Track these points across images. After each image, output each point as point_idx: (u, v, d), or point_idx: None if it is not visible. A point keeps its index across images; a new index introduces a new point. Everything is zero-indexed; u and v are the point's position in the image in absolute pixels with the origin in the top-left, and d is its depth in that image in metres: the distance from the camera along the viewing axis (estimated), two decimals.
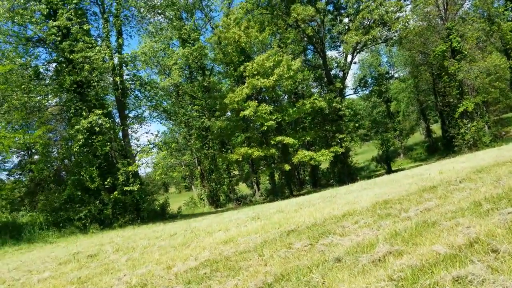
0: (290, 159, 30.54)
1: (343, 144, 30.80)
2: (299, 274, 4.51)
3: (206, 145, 30.99)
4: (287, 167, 29.16)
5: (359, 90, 41.04)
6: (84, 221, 18.14)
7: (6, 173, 29.20)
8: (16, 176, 29.79)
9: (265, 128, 28.16)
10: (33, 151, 30.93)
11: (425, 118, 47.76)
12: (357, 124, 35.69)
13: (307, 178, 41.45)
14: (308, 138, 30.96)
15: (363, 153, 53.62)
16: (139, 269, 6.31)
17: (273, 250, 6.02)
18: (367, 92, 42.27)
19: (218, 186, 32.37)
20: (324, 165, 38.45)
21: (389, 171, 36.62)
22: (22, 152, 31.82)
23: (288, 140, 28.18)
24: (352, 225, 6.60)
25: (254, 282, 4.48)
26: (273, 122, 27.83)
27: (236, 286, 4.51)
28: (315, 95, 30.80)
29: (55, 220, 18.27)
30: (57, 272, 7.14)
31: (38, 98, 20.69)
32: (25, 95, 19.51)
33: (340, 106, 31.15)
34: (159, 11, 27.78)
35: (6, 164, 28.95)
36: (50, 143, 28.16)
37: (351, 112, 34.17)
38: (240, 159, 29.52)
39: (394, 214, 6.56)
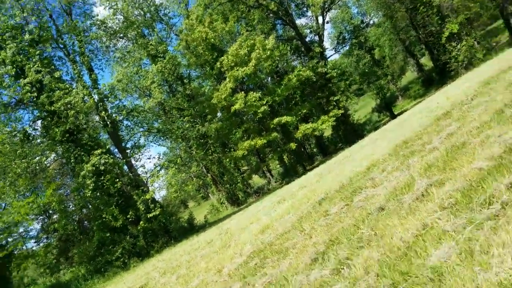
0: (293, 137, 30.47)
1: (340, 105, 30.63)
2: (347, 234, 4.49)
3: (209, 151, 30.96)
4: (293, 145, 29.09)
5: (339, 48, 40.61)
6: (122, 259, 18.31)
7: (34, 241, 29.36)
8: (44, 241, 29.95)
9: (260, 115, 28.02)
10: (50, 211, 31.03)
11: (412, 54, 47.26)
12: (347, 82, 35.40)
13: (314, 150, 41.44)
14: (304, 111, 30.76)
15: (362, 108, 53.40)
16: (192, 282, 6.33)
17: (311, 222, 6.00)
18: (347, 47, 41.86)
19: (233, 186, 32.42)
20: (328, 132, 38.37)
21: (393, 116, 36.47)
22: (41, 217, 31.95)
23: (286, 119, 28.05)
24: (380, 175, 6.57)
25: (306, 255, 4.48)
26: (265, 107, 27.69)
27: (291, 265, 4.51)
28: (298, 67, 30.53)
29: (95, 267, 18.45)
30: None
31: (36, 159, 20.67)
32: (23, 160, 19.52)
33: (326, 70, 30.88)
34: (121, 35, 27.56)
35: (31, 233, 29.08)
36: (64, 199, 28.23)
37: (338, 72, 33.86)
38: (246, 153, 29.48)
39: (419, 150, 6.51)
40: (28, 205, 17.67)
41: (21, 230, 22.53)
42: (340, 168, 10.75)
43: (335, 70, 33.01)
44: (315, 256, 4.32)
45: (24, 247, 24.34)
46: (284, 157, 34.27)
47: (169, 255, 13.88)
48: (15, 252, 19.45)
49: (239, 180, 33.71)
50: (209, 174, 33.39)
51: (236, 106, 27.08)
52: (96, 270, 18.24)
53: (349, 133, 31.92)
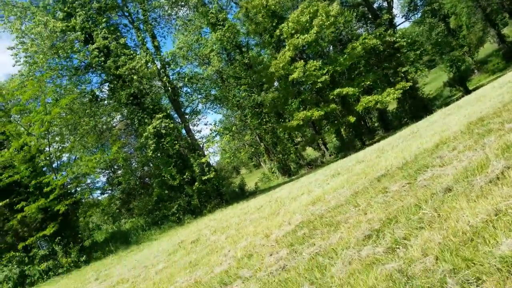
0: (354, 109, 29.17)
1: (408, 77, 28.50)
2: (407, 213, 4.18)
3: (263, 120, 30.94)
4: (352, 119, 27.88)
5: (410, 15, 37.34)
6: (177, 214, 19.60)
7: (99, 191, 32.29)
8: (108, 192, 32.82)
9: (319, 85, 27.07)
10: (115, 167, 33.69)
11: (493, 24, 41.96)
12: (418, 52, 32.52)
13: (376, 125, 39.48)
14: (368, 82, 28.99)
15: (432, 82, 49.32)
16: (240, 243, 6.45)
17: (367, 198, 5.71)
18: (419, 15, 38.31)
19: (285, 156, 32.36)
20: (392, 106, 36.17)
21: (467, 91, 33.27)
22: (107, 171, 34.86)
23: (347, 90, 26.79)
24: (450, 153, 5.99)
25: (359, 231, 4.26)
26: (326, 77, 26.62)
27: (341, 239, 4.33)
28: (364, 34, 28.65)
29: (152, 220, 19.95)
30: (169, 262, 7.64)
31: (103, 118, 22.23)
32: (91, 119, 21.14)
33: (394, 38, 28.66)
34: (182, 3, 27.83)
35: (97, 184, 31.96)
36: (128, 156, 30.41)
37: (408, 41, 31.22)
38: (301, 124, 28.95)
39: (497, 128, 5.79)
40: (95, 160, 19.29)
41: (88, 181, 24.87)
42: (405, 144, 10.07)
43: (405, 39, 30.47)
44: (368, 232, 4.09)
45: (90, 197, 26.88)
46: (342, 130, 33.12)
47: (220, 215, 14.41)
48: (83, 200, 21.57)
49: (292, 151, 33.55)
50: (262, 143, 33.62)
51: (294, 75, 26.40)
52: (153, 223, 19.75)
53: (417, 107, 29.80)
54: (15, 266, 15.33)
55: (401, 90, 27.25)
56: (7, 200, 16.62)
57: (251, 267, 4.69)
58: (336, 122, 31.13)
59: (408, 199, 4.63)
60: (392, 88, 27.46)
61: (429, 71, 45.24)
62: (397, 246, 3.43)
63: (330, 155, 34.53)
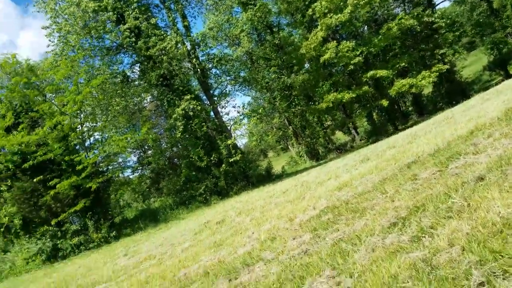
0: (387, 93, 28.23)
1: (445, 60, 27.13)
2: (436, 202, 4.05)
3: (292, 103, 30.58)
4: (385, 102, 27.01)
5: None
6: (204, 195, 20.05)
7: (130, 170, 33.48)
8: (139, 172, 33.98)
9: (351, 67, 26.33)
10: (146, 147, 34.68)
11: None
12: (457, 34, 30.79)
13: (410, 109, 38.08)
14: (403, 64, 27.85)
15: (471, 65, 46.68)
16: (264, 225, 6.52)
17: (396, 185, 5.57)
18: None
19: (314, 140, 32.01)
20: (427, 90, 34.67)
21: (508, 76, 31.28)
22: (138, 151, 35.98)
23: (380, 73, 25.88)
24: (485, 140, 5.71)
25: (385, 219, 4.17)
26: (359, 58, 25.79)
27: (366, 225, 4.27)
28: (400, 14, 27.36)
29: (180, 199, 20.55)
30: (195, 241, 7.88)
31: (135, 99, 22.74)
32: (122, 99, 21.71)
33: (433, 19, 27.20)
34: None
35: (128, 163, 33.12)
36: (158, 137, 31.22)
37: (447, 22, 29.56)
38: (330, 106, 28.38)
39: None
40: (125, 139, 19.93)
41: (120, 160, 25.81)
42: (438, 130, 9.68)
43: (444, 20, 28.86)
44: (394, 220, 4.00)
45: (121, 175, 27.93)
46: (374, 114, 32.23)
47: (246, 198, 14.59)
48: (114, 179, 22.42)
49: (320, 135, 33.14)
50: (290, 127, 33.38)
51: (326, 56, 25.77)
52: (181, 202, 20.34)
53: (453, 92, 28.46)
54: (48, 239, 16.21)
55: (437, 73, 26.02)
56: (41, 176, 17.44)
57: (274, 249, 4.74)
58: (368, 105, 30.32)
59: (437, 187, 4.48)
60: (428, 71, 26.26)
61: (468, 54, 42.81)
62: (423, 235, 3.34)
63: (360, 140, 33.81)
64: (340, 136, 41.83)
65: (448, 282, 2.40)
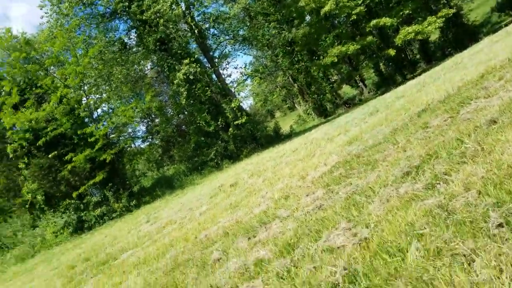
0: (392, 41, 27.29)
1: (451, 4, 25.89)
2: (448, 148, 4.02)
3: (295, 59, 29.84)
4: (391, 51, 26.18)
5: None
6: (215, 160, 20.31)
7: (141, 140, 33.81)
8: (149, 141, 34.30)
9: (354, 17, 25.33)
10: (153, 116, 34.73)
11: None
12: None
13: (417, 57, 37.00)
14: (407, 11, 26.68)
15: (479, 7, 44.49)
16: (277, 185, 6.62)
17: (407, 135, 5.54)
18: None
19: (321, 96, 31.57)
20: (434, 36, 33.42)
21: None
22: (146, 120, 36.09)
23: (384, 21, 24.88)
24: (496, 83, 5.57)
25: (398, 169, 4.18)
26: (361, 8, 24.76)
27: (379, 177, 4.29)
28: None
29: (193, 166, 20.89)
30: (212, 204, 8.09)
31: (135, 67, 22.41)
32: (122, 67, 21.44)
33: None
34: None
35: (138, 133, 33.36)
36: (162, 105, 31.12)
37: None
38: (336, 61, 27.66)
39: None
40: (131, 109, 19.98)
41: (129, 130, 26.04)
42: (448, 76, 9.46)
43: None
44: (407, 169, 4.00)
45: (133, 145, 28.25)
46: (381, 64, 31.39)
47: (256, 159, 14.73)
48: (126, 149, 22.74)
49: (327, 90, 32.65)
50: (295, 84, 32.86)
51: (326, 8, 24.74)
52: (194, 168, 20.68)
53: (461, 36, 27.42)
54: (72, 212, 16.86)
55: (444, 18, 24.92)
56: (55, 152, 17.91)
57: (288, 207, 4.83)
58: (374, 56, 29.47)
59: (449, 134, 4.43)
60: (434, 17, 25.15)
61: None
62: (437, 182, 3.35)
63: (368, 92, 33.27)
64: (347, 90, 41.17)
65: (466, 226, 2.43)
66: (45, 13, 20.04)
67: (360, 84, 35.28)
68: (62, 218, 16.62)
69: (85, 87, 20.58)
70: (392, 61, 29.56)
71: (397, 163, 4.41)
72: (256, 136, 21.84)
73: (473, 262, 2.10)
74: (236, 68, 51.85)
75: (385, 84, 29.78)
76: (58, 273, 8.27)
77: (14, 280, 10.96)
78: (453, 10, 25.78)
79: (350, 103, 31.76)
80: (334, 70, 35.46)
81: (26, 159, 18.55)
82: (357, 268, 2.59)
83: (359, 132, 7.95)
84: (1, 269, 14.41)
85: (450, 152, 3.88)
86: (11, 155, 18.68)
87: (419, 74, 21.43)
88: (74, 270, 7.80)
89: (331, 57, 26.48)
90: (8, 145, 18.77)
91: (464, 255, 2.17)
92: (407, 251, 2.47)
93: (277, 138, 24.08)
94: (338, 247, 3.04)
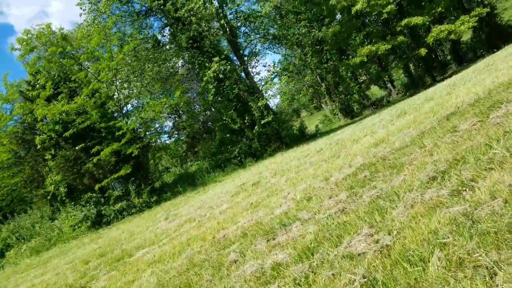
0: (424, 41, 26.43)
1: (485, 2, 24.74)
2: (476, 153, 3.89)
3: (324, 58, 29.50)
4: (422, 51, 25.35)
5: None
6: (239, 157, 20.39)
7: (167, 136, 34.48)
8: (175, 136, 34.95)
9: (385, 16, 24.71)
10: (180, 112, 35.37)
11: None
12: None
13: (448, 58, 35.71)
14: (440, 10, 25.72)
15: None
16: (299, 185, 6.59)
17: (434, 139, 5.39)
18: None
19: (348, 96, 31.07)
20: (466, 36, 32.11)
21: None
22: (173, 116, 36.81)
23: (416, 20, 24.11)
24: None
25: (424, 173, 4.09)
26: (392, 6, 24.09)
27: (404, 181, 4.20)
28: None
29: (216, 162, 21.07)
30: (232, 203, 8.14)
31: (167, 64, 22.86)
32: (155, 65, 21.94)
33: None
34: None
35: (164, 129, 34.05)
36: (190, 101, 31.62)
37: None
38: (365, 60, 27.10)
39: None
40: (161, 104, 20.37)
41: (156, 125, 26.59)
42: (479, 78, 9.08)
43: None
44: (433, 174, 3.91)
45: (158, 141, 28.84)
46: (411, 65, 30.50)
47: (280, 158, 14.69)
48: (152, 144, 23.19)
49: (355, 91, 32.10)
50: (323, 84, 32.48)
51: (358, 7, 24.27)
52: (217, 165, 20.85)
53: (494, 37, 26.19)
54: (93, 206, 17.15)
55: (477, 18, 23.86)
56: (83, 144, 18.41)
57: (310, 209, 4.80)
58: (404, 56, 28.67)
59: (478, 138, 4.29)
60: (467, 16, 24.13)
61: None
62: (464, 189, 3.25)
63: (397, 94, 32.41)
64: (375, 91, 40.27)
65: (490, 236, 2.35)
66: (83, 10, 20.77)
67: (389, 85, 34.42)
68: (82, 211, 16.82)
69: (117, 82, 21.16)
70: (423, 61, 28.66)
71: (423, 168, 4.31)
72: (281, 135, 21.80)
73: (495, 275, 2.03)
74: (265, 66, 51.80)
75: (414, 85, 28.92)
76: (71, 268, 8.41)
77: (26, 272, 11.13)
78: (486, 9, 24.67)
79: (378, 104, 31.05)
80: (362, 70, 34.80)
81: (53, 150, 19.04)
82: (376, 276, 2.56)
83: (385, 134, 7.78)
84: (15, 261, 14.67)
85: (478, 158, 3.75)
86: (38, 146, 19.19)
87: (450, 76, 20.71)
88: (88, 265, 7.92)
89: (361, 56, 26.00)
90: (37, 136, 19.37)
91: (487, 267, 2.10)
92: (429, 261, 2.42)
93: (302, 137, 23.92)
94: (358, 254, 3.01)
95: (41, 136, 19.05)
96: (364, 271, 2.66)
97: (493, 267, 2.08)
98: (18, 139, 21.36)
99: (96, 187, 17.93)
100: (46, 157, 19.55)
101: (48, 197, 19.48)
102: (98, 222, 16.80)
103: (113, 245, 9.51)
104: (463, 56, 30.95)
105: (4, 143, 20.73)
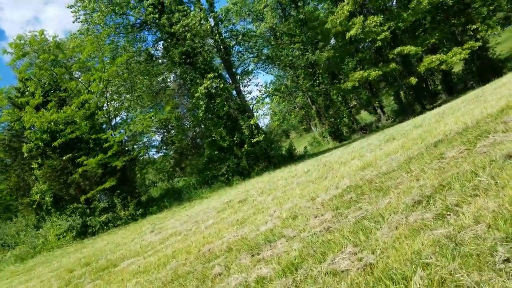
0: (415, 70, 27.22)
1: (478, 36, 25.75)
2: (462, 180, 3.96)
3: (316, 81, 30.03)
4: (413, 80, 26.08)
5: None
6: (226, 175, 20.27)
7: (155, 150, 34.21)
8: (163, 151, 34.69)
9: (379, 43, 25.46)
10: (169, 127, 35.25)
11: None
12: (491, 7, 29.04)
13: (439, 88, 36.74)
14: (433, 41, 26.65)
15: (505, 41, 44.03)
16: (285, 204, 6.57)
17: (421, 164, 5.47)
18: None
19: (338, 120, 31.47)
20: (458, 68, 33.20)
21: None
22: (162, 130, 36.64)
23: (409, 49, 24.89)
24: None
25: (409, 197, 4.13)
26: (386, 34, 24.87)
27: (390, 204, 4.23)
28: None
29: (203, 179, 20.90)
30: (218, 219, 8.06)
31: (159, 78, 22.91)
32: (146, 78, 21.98)
33: None
34: None
35: (153, 143, 33.79)
36: (181, 116, 31.61)
37: None
38: (357, 85, 27.69)
39: None
40: (150, 118, 20.30)
41: (144, 139, 26.41)
42: (467, 108, 9.34)
43: None
44: (419, 198, 3.95)
45: (146, 155, 28.55)
46: (401, 93, 31.27)
47: (267, 178, 14.67)
48: (140, 158, 22.94)
49: (345, 115, 32.55)
50: (314, 106, 32.90)
51: (352, 32, 24.99)
52: (204, 182, 20.68)
53: (485, 69, 27.15)
54: (78, 217, 16.90)
55: (469, 50, 24.80)
56: (70, 154, 18.17)
57: (296, 227, 4.79)
58: (395, 84, 29.40)
59: (464, 166, 4.37)
60: (459, 48, 25.07)
61: (503, 30, 40.32)
62: (448, 213, 3.29)
63: (386, 120, 33.00)
64: (365, 116, 40.95)
65: (473, 258, 2.37)
66: (77, 18, 20.79)
67: (379, 111, 35.09)
68: (67, 221, 16.65)
69: (107, 94, 21.06)
70: (413, 90, 29.41)
71: (409, 192, 4.36)
72: (269, 155, 21.83)
73: None
74: (256, 85, 52.60)
75: (403, 112, 29.54)
76: (56, 276, 8.29)
77: (11, 279, 10.98)
78: (479, 43, 25.65)
79: (367, 129, 31.52)
80: (353, 95, 35.47)
81: (40, 159, 18.82)
82: None
83: (373, 158, 7.87)
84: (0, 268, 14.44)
85: (463, 184, 3.82)
86: (25, 154, 18.93)
87: (439, 105, 21.21)
88: (72, 273, 7.82)
89: (352, 81, 26.56)
90: (24, 144, 19.10)
91: (468, 287, 2.11)
92: (411, 280, 2.42)
93: (291, 158, 24.00)
94: (342, 271, 3.00)
95: (28, 144, 18.78)
96: (347, 286, 2.65)
97: (474, 287, 2.09)
98: (5, 146, 20.95)
99: (82, 198, 17.62)
100: (32, 166, 19.26)
101: (34, 206, 19.09)
102: (84, 232, 16.58)
103: (98, 255, 9.34)
104: (454, 86, 31.88)
105: None
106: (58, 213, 17.61)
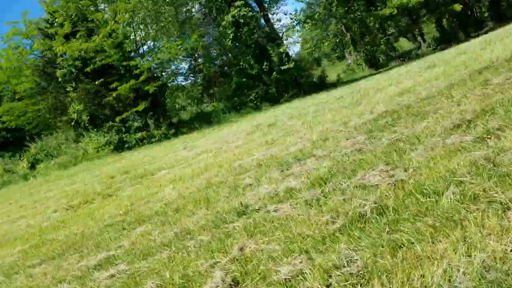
0: None
1: None
2: (507, 106, 3.77)
3: (351, 8, 27.79)
4: (457, 7, 23.64)
5: None
6: (255, 101, 20.35)
7: (183, 77, 34.11)
8: (191, 79, 34.56)
9: None
10: (196, 55, 34.64)
11: None
12: None
13: (485, 15, 33.21)
14: None
15: None
16: (316, 128, 6.58)
17: (464, 90, 5.23)
18: None
19: (374, 47, 29.67)
20: None
21: None
22: (189, 59, 36.07)
23: None
24: None
25: (448, 121, 4.01)
26: None
27: (427, 127, 4.14)
28: None
29: (232, 105, 21.07)
30: (248, 140, 8.27)
31: (183, 8, 22.08)
32: (171, 7, 21.25)
33: None
34: None
35: (180, 71, 33.58)
36: (207, 45, 30.77)
37: None
38: (395, 12, 25.44)
39: None
40: (177, 46, 20.12)
41: (173, 67, 26.28)
42: None
43: None
44: (458, 122, 3.84)
45: (175, 82, 28.63)
46: (444, 20, 28.62)
47: (297, 104, 14.57)
48: (169, 84, 23.23)
49: (382, 42, 30.58)
50: (348, 34, 30.95)
51: None
52: (232, 107, 20.89)
53: None
54: (114, 133, 17.84)
55: None
56: (102, 80, 18.71)
57: (326, 148, 4.82)
58: (437, 11, 26.80)
59: (510, 92, 4.13)
60: None
61: None
62: (489, 136, 3.19)
63: (427, 47, 30.75)
64: (403, 44, 38.30)
65: (510, 178, 2.34)
66: None
67: (419, 38, 32.64)
68: (105, 137, 17.57)
69: (134, 24, 20.85)
70: (457, 17, 26.86)
71: (449, 116, 4.22)
72: (299, 82, 21.41)
73: (509, 210, 2.05)
74: (286, 14, 49.61)
75: (446, 40, 27.30)
76: (98, 180, 9.06)
77: (56, 182, 12.03)
78: None
79: (406, 57, 29.65)
80: (391, 22, 32.78)
81: (74, 83, 19.49)
82: (387, 203, 2.62)
83: (412, 85, 7.56)
84: (45, 173, 15.85)
85: (508, 110, 3.64)
86: (60, 79, 19.66)
87: (485, 33, 19.46)
88: (113, 179, 8.50)
89: (390, 8, 24.48)
90: (58, 70, 19.69)
91: (501, 203, 2.12)
92: (443, 194, 2.45)
93: (322, 86, 23.39)
94: (371, 185, 3.06)
95: (61, 70, 19.38)
96: (375, 198, 2.73)
97: (508, 203, 2.10)
98: (40, 71, 21.65)
99: (117, 118, 18.45)
100: (67, 89, 19.98)
101: (72, 123, 20.19)
102: (121, 146, 17.52)
103: (136, 165, 10.00)
104: (503, 13, 28.73)
105: (26, 75, 20.98)
106: (95, 130, 18.57)
